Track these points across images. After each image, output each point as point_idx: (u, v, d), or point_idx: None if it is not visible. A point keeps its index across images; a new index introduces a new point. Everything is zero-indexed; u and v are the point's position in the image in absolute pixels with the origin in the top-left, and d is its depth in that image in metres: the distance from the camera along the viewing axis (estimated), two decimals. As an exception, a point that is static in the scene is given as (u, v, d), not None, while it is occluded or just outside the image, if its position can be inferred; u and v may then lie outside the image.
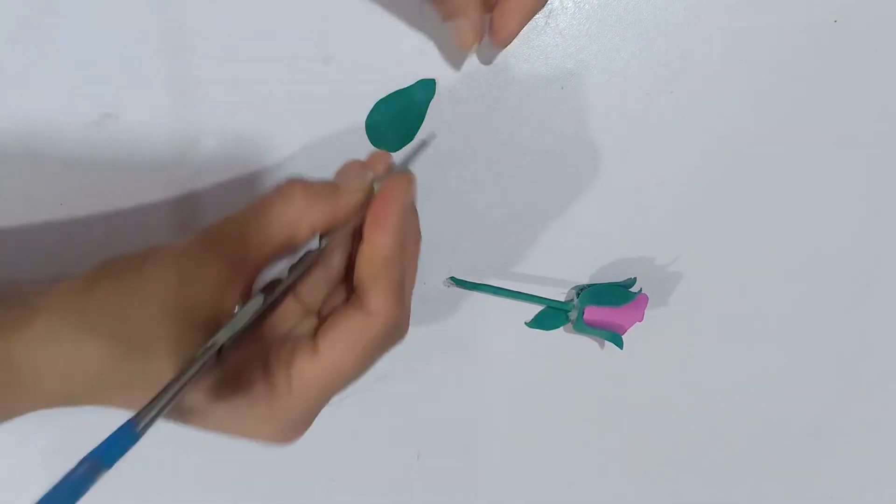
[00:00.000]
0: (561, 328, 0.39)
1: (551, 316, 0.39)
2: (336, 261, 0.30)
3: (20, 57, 0.36)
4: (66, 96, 0.36)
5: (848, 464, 0.41)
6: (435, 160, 0.38)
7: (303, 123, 0.37)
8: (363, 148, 0.37)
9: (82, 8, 0.36)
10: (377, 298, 0.27)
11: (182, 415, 0.27)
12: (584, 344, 0.39)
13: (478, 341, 0.39)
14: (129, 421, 0.24)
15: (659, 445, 0.40)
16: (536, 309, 0.39)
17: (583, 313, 0.36)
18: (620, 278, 0.38)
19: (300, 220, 0.27)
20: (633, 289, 0.37)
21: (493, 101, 0.38)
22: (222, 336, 0.25)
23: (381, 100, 0.37)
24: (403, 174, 0.29)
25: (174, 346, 0.26)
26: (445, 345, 0.38)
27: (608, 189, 0.38)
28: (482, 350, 0.39)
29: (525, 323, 0.39)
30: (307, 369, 0.27)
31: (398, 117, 0.37)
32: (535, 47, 0.38)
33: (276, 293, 0.27)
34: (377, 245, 0.27)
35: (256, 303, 0.27)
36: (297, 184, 0.28)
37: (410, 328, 0.38)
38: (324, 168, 0.37)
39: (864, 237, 0.39)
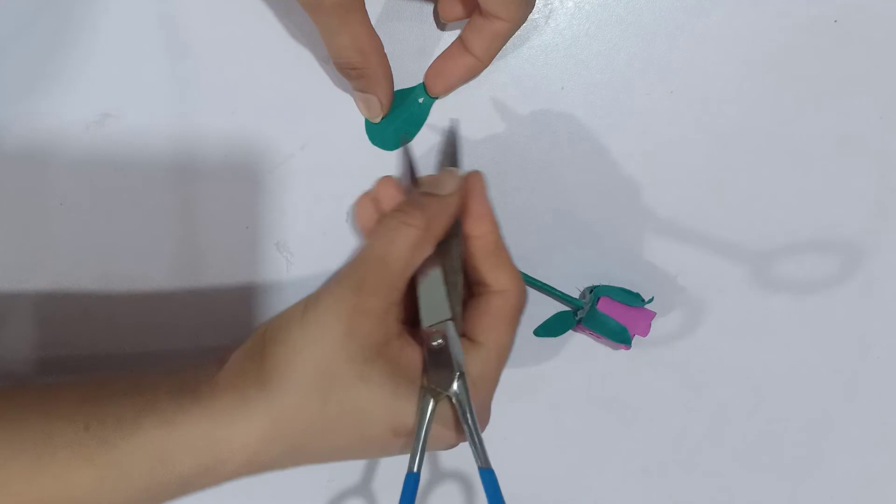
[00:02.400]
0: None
1: (559, 321, 0.39)
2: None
3: (20, 57, 0.36)
4: (66, 96, 0.36)
5: (848, 464, 0.41)
6: (435, 160, 0.38)
7: (303, 123, 0.37)
8: (364, 147, 0.37)
9: (82, 8, 0.36)
10: (503, 277, 0.31)
11: (368, 433, 0.30)
12: (585, 344, 0.39)
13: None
14: (410, 472, 0.29)
15: (659, 445, 0.40)
16: (541, 311, 0.39)
17: (597, 302, 0.36)
18: (620, 280, 0.38)
19: (428, 239, 0.30)
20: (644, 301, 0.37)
21: (494, 102, 0.38)
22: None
23: None
24: (474, 173, 0.33)
25: (364, 383, 0.28)
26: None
27: (608, 189, 0.38)
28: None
29: (533, 332, 0.39)
30: (478, 362, 0.30)
31: (399, 117, 0.37)
32: (535, 47, 0.38)
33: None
34: (485, 234, 0.32)
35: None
36: (414, 208, 0.30)
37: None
38: (324, 168, 0.37)
39: (864, 237, 0.39)
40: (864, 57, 0.38)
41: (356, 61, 0.33)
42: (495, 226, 0.32)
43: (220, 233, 0.37)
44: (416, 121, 0.37)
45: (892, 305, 0.40)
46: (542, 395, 0.39)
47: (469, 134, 0.38)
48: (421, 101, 0.37)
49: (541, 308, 0.39)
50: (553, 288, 0.38)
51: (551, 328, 0.39)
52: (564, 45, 0.38)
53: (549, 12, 0.37)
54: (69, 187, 0.36)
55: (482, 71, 0.36)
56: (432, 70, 0.36)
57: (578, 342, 0.39)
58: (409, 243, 0.29)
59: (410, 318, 0.32)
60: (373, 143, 0.37)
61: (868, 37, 0.38)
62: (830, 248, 0.39)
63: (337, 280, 0.30)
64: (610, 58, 0.38)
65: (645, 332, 0.37)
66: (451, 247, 0.32)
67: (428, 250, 0.30)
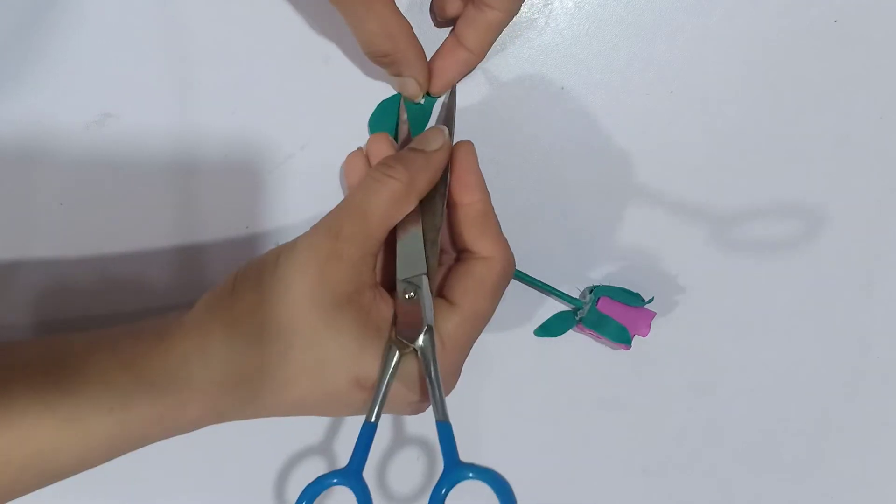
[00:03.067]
0: (561, 328, 0.39)
1: (559, 321, 0.38)
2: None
3: (20, 57, 0.36)
4: (66, 96, 0.36)
5: (848, 464, 0.41)
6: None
7: (303, 123, 0.37)
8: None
9: (82, 8, 0.36)
10: (488, 245, 0.31)
11: (330, 381, 0.29)
12: (585, 344, 0.39)
13: (478, 341, 0.39)
14: (368, 422, 0.29)
15: (659, 445, 0.40)
16: (541, 311, 0.39)
17: (597, 302, 0.36)
18: (620, 280, 0.38)
19: (410, 194, 0.30)
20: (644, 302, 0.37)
21: (494, 101, 0.38)
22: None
23: (385, 100, 0.37)
24: (464, 141, 0.33)
25: (331, 331, 0.28)
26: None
27: (608, 189, 0.38)
28: (482, 350, 0.39)
29: (533, 332, 0.39)
30: (451, 322, 0.30)
31: (401, 118, 0.37)
32: (535, 47, 0.38)
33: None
34: (473, 202, 0.32)
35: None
36: (398, 162, 0.30)
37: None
38: (324, 168, 0.37)
39: (865, 237, 0.39)
40: (864, 57, 0.38)
41: (387, 47, 0.32)
42: (485, 194, 0.32)
43: (220, 233, 0.37)
44: (420, 121, 0.37)
45: (892, 305, 0.40)
46: (542, 395, 0.39)
47: (469, 134, 0.38)
48: (422, 101, 0.37)
49: (541, 308, 0.39)
50: (553, 288, 0.38)
51: (551, 328, 0.39)
52: (564, 45, 0.38)
53: (549, 12, 0.37)
54: (69, 187, 0.36)
55: (477, 64, 0.36)
56: (433, 68, 0.36)
57: (578, 342, 0.39)
58: (389, 195, 0.30)
59: (390, 278, 0.32)
60: None
61: (868, 37, 0.38)
62: (830, 247, 0.39)
63: (315, 228, 0.30)
64: (610, 58, 0.38)
65: (645, 332, 0.37)
66: (435, 204, 0.32)
67: (410, 205, 0.31)
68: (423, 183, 0.31)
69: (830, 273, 0.39)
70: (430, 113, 0.37)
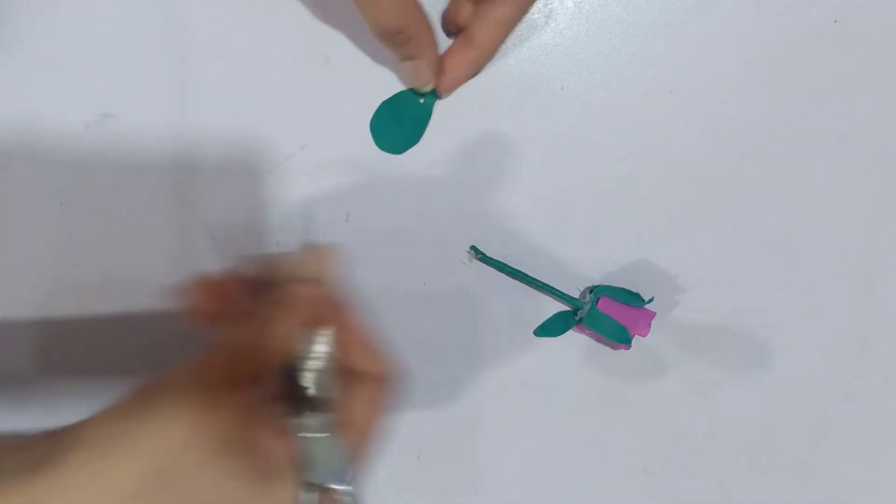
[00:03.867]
0: (561, 328, 0.39)
1: (559, 321, 0.38)
2: None
3: (20, 57, 0.36)
4: (66, 96, 0.36)
5: (848, 464, 0.41)
6: (435, 160, 0.38)
7: (303, 123, 0.37)
8: (363, 148, 0.37)
9: (82, 8, 0.36)
10: (377, 363, 0.29)
11: None
12: (585, 344, 0.39)
13: (478, 341, 0.39)
14: None
15: (659, 445, 0.40)
16: (541, 311, 0.39)
17: (597, 302, 0.36)
18: (620, 280, 0.38)
19: (305, 326, 0.27)
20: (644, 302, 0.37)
21: (494, 101, 0.38)
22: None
23: (385, 101, 0.37)
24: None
25: (213, 481, 0.25)
26: (446, 345, 0.38)
27: (608, 190, 0.38)
28: (482, 350, 0.39)
29: (533, 332, 0.39)
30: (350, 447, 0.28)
31: (403, 118, 0.37)
32: (535, 47, 0.38)
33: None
34: (354, 329, 0.29)
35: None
36: (292, 313, 0.27)
37: (411, 329, 0.38)
38: (324, 168, 0.37)
39: (865, 237, 0.39)
40: (864, 57, 0.38)
41: (400, 23, 0.31)
42: (360, 316, 0.29)
43: (220, 233, 0.37)
44: (420, 121, 0.37)
45: (892, 305, 0.40)
46: (542, 395, 0.39)
47: (469, 134, 0.38)
48: (422, 100, 0.37)
49: (541, 308, 0.39)
50: (553, 288, 0.38)
51: (551, 328, 0.39)
52: (564, 45, 0.38)
53: (549, 12, 0.37)
54: (69, 187, 0.36)
55: (486, 63, 0.35)
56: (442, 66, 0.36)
57: (578, 342, 0.39)
58: (284, 336, 0.27)
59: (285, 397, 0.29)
60: (380, 147, 0.37)
61: (868, 37, 0.38)
62: (830, 248, 0.39)
63: (195, 373, 0.27)
64: (610, 58, 0.38)
65: (645, 332, 0.37)
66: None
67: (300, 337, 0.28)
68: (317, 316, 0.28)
69: (830, 273, 0.39)
70: (431, 113, 0.37)
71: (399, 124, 0.37)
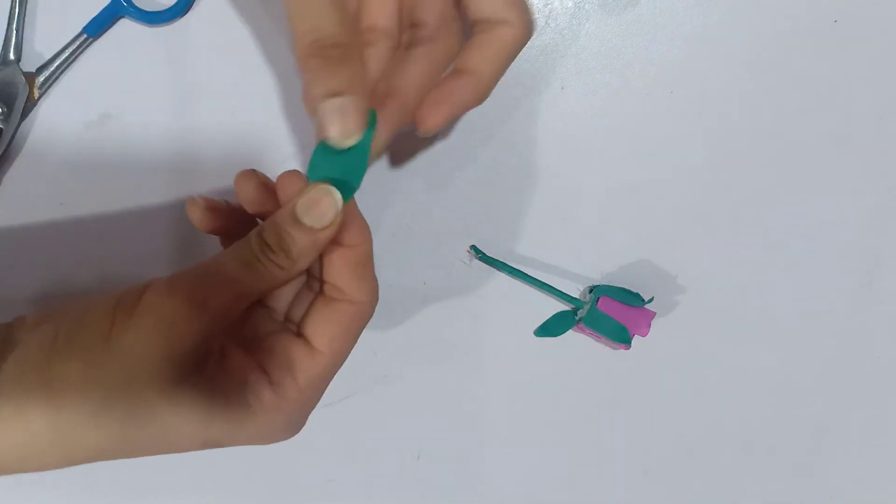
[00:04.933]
0: (561, 328, 0.39)
1: (559, 321, 0.38)
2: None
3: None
4: (66, 96, 0.36)
5: (848, 464, 0.41)
6: (435, 160, 0.38)
7: (303, 123, 0.37)
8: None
9: (82, 8, 0.36)
10: (362, 290, 0.28)
11: (174, 446, 0.27)
12: (585, 344, 0.39)
13: (478, 341, 0.39)
14: None
15: (659, 445, 0.40)
16: (541, 311, 0.39)
17: (597, 301, 0.36)
18: (620, 280, 0.38)
19: (290, 277, 0.27)
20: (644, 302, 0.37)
21: (494, 101, 0.38)
22: None
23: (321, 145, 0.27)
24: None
25: (173, 406, 0.25)
26: (445, 345, 0.38)
27: (608, 190, 0.38)
28: (482, 350, 0.39)
29: (533, 332, 0.39)
30: (311, 367, 0.28)
31: (337, 162, 0.27)
32: (535, 47, 0.38)
33: None
34: (356, 249, 0.28)
35: None
36: (281, 247, 0.26)
37: (411, 329, 0.38)
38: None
39: (865, 237, 0.39)
40: (864, 57, 0.38)
41: (337, 33, 0.25)
42: (368, 242, 0.28)
43: (220, 233, 0.37)
44: (358, 162, 0.28)
45: (892, 305, 0.40)
46: (542, 395, 0.39)
47: (469, 134, 0.38)
48: (354, 141, 0.26)
49: (541, 308, 0.39)
50: (553, 288, 0.38)
51: (551, 328, 0.39)
52: (564, 45, 0.38)
53: (549, 12, 0.37)
54: (69, 187, 0.36)
55: (486, 95, 0.30)
56: (429, 100, 0.29)
57: (578, 342, 0.39)
58: (270, 283, 0.27)
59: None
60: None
61: (868, 37, 0.38)
62: (830, 247, 0.39)
63: (166, 291, 0.26)
64: (610, 58, 0.38)
65: (645, 332, 0.37)
66: None
67: (286, 284, 0.29)
68: (305, 266, 0.27)
69: (830, 273, 0.39)
70: (361, 176, 0.28)
71: (335, 170, 0.28)
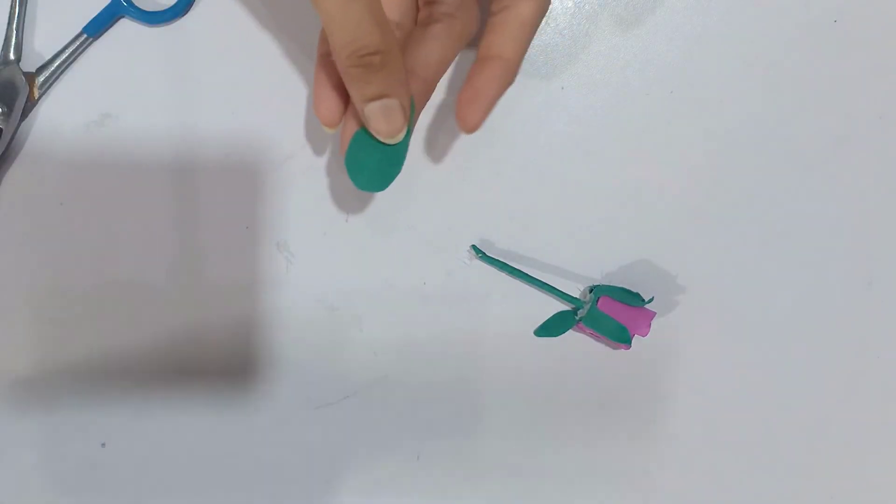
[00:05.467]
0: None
1: (559, 321, 0.38)
2: None
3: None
4: (66, 96, 0.36)
5: (848, 464, 0.41)
6: (435, 160, 0.38)
7: (303, 123, 0.37)
8: (363, 148, 0.37)
9: (82, 7, 0.36)
10: None
11: None
12: (585, 344, 0.39)
13: (478, 341, 0.39)
14: None
15: (659, 445, 0.40)
16: (540, 311, 0.39)
17: (597, 301, 0.36)
18: (620, 280, 0.38)
19: None
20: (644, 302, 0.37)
21: (493, 101, 0.38)
22: None
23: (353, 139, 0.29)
24: None
25: None
26: (445, 345, 0.38)
27: (608, 190, 0.38)
28: (483, 350, 0.39)
29: (533, 332, 0.39)
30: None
31: (378, 148, 0.29)
32: (535, 47, 0.38)
33: None
34: None
35: None
36: None
37: (411, 329, 0.38)
38: (325, 168, 0.37)
39: (865, 237, 0.39)
40: (864, 57, 0.38)
41: (377, 41, 0.25)
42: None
43: (220, 233, 0.37)
44: (390, 169, 0.29)
45: (892, 305, 0.40)
46: (542, 395, 0.39)
47: (469, 134, 0.38)
48: (400, 138, 0.29)
49: (541, 308, 0.39)
50: (553, 288, 0.38)
51: (551, 328, 0.39)
52: (564, 45, 0.38)
53: (549, 12, 0.37)
54: (69, 187, 0.36)
55: (516, 75, 0.30)
56: (464, 98, 0.30)
57: (578, 342, 0.39)
58: None
59: None
60: (359, 186, 0.30)
61: (868, 37, 0.38)
62: (830, 247, 0.39)
63: None
64: (610, 58, 0.38)
65: (645, 332, 0.37)
66: None
67: None
68: None
69: (830, 273, 0.39)
70: (403, 160, 0.29)
71: (376, 154, 0.29)
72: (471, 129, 0.30)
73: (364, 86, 0.26)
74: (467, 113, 0.29)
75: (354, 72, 0.26)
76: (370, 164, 0.29)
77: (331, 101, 0.29)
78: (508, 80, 0.30)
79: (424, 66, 0.29)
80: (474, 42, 0.31)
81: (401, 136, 0.28)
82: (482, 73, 0.29)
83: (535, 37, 0.35)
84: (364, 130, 0.28)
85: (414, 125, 0.30)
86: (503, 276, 0.38)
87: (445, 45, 0.29)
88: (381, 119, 0.27)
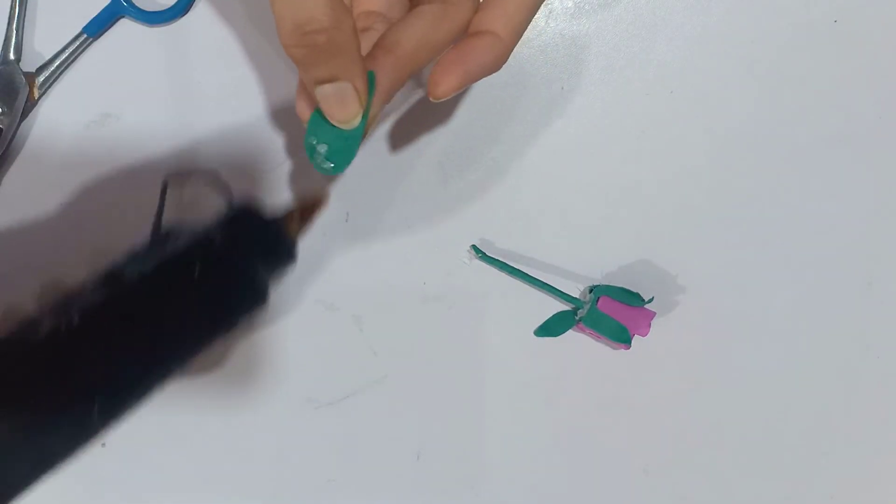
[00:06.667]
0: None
1: (559, 321, 0.38)
2: None
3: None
4: (66, 96, 0.36)
5: (848, 464, 0.41)
6: (435, 160, 0.38)
7: (303, 123, 0.37)
8: (363, 147, 0.37)
9: (83, 7, 0.36)
10: None
11: None
12: (585, 344, 0.39)
13: (478, 341, 0.39)
14: None
15: (659, 445, 0.40)
16: (540, 311, 0.39)
17: (597, 301, 0.36)
18: (620, 280, 0.38)
19: None
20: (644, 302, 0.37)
21: (493, 101, 0.38)
22: None
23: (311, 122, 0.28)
24: None
25: None
26: (445, 345, 0.38)
27: (608, 190, 0.38)
28: (483, 350, 0.39)
29: (533, 332, 0.39)
30: None
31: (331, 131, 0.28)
32: (535, 47, 0.38)
33: None
34: None
35: None
36: None
37: (411, 329, 0.38)
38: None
39: (865, 237, 0.39)
40: (864, 57, 0.38)
41: (320, 17, 0.23)
42: None
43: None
44: (344, 154, 0.28)
45: (892, 305, 0.40)
46: (542, 395, 0.39)
47: (468, 134, 0.38)
48: (355, 124, 0.27)
49: (541, 308, 0.39)
50: (553, 288, 0.38)
51: (551, 328, 0.39)
52: (564, 45, 0.38)
53: (549, 12, 0.37)
54: (69, 187, 0.36)
55: (504, 58, 0.28)
56: (443, 62, 0.27)
57: (578, 342, 0.39)
58: None
59: None
60: (316, 168, 0.28)
61: (868, 37, 0.38)
62: (830, 247, 0.39)
63: None
64: (610, 58, 0.38)
65: (645, 332, 0.37)
66: None
67: None
68: None
69: (830, 273, 0.39)
70: (359, 144, 0.28)
71: (326, 145, 0.28)
72: (439, 95, 0.27)
73: (311, 67, 0.24)
74: (440, 77, 0.26)
75: (298, 52, 0.24)
76: (325, 147, 0.27)
77: (310, 100, 0.28)
78: (495, 57, 0.27)
79: (400, 42, 0.27)
80: None
81: (356, 122, 0.26)
82: (467, 43, 0.27)
83: (535, 37, 0.35)
84: (319, 111, 0.26)
85: (379, 108, 0.27)
86: (503, 276, 0.38)
87: (429, 25, 0.27)
88: (333, 103, 0.25)
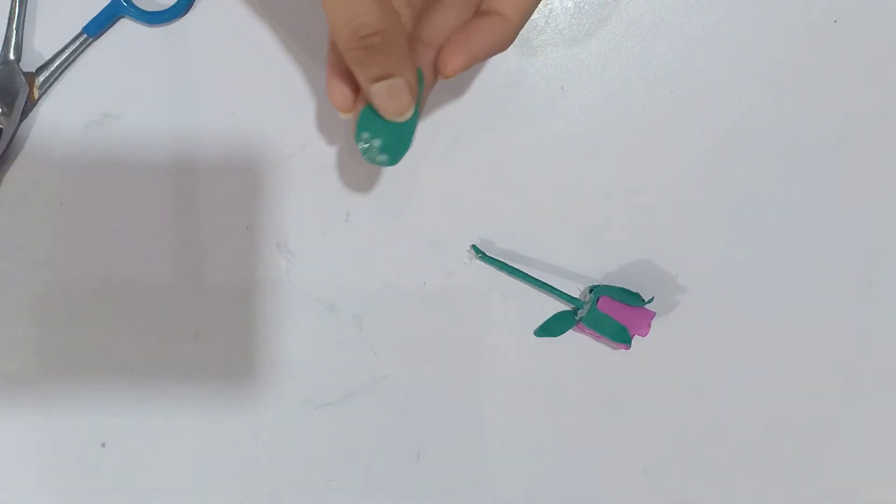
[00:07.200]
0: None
1: (559, 321, 0.38)
2: None
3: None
4: (66, 96, 0.36)
5: (848, 464, 0.40)
6: (435, 160, 0.38)
7: (303, 123, 0.37)
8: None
9: (83, 8, 0.36)
10: None
11: None
12: (585, 344, 0.39)
13: (478, 341, 0.39)
14: None
15: (659, 445, 0.40)
16: (540, 311, 0.39)
17: (597, 301, 0.36)
18: (620, 280, 0.38)
19: None
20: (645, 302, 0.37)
21: (493, 101, 0.38)
22: None
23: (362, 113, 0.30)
24: None
25: None
26: (445, 345, 0.38)
27: (608, 190, 0.38)
28: (482, 350, 0.39)
29: (533, 332, 0.39)
30: None
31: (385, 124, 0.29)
32: (535, 47, 0.38)
33: None
34: None
35: None
36: None
37: (411, 329, 0.38)
38: (324, 168, 0.37)
39: (865, 237, 0.39)
40: (864, 57, 0.38)
41: (375, 20, 0.24)
42: None
43: (220, 233, 0.37)
44: (399, 146, 0.29)
45: (892, 305, 0.40)
46: (542, 395, 0.39)
47: (468, 134, 0.38)
48: (408, 116, 0.29)
49: (541, 308, 0.39)
50: (553, 288, 0.38)
51: (551, 328, 0.39)
52: (564, 45, 0.38)
53: (549, 12, 0.37)
54: (69, 187, 0.36)
55: (510, 39, 0.29)
56: (452, 42, 0.28)
57: (578, 342, 0.39)
58: None
59: None
60: (369, 160, 0.30)
61: (868, 37, 0.38)
62: (830, 248, 0.39)
63: None
64: (610, 58, 0.38)
65: (645, 332, 0.37)
66: None
67: None
68: None
69: (830, 273, 0.39)
70: (413, 134, 0.29)
71: (380, 139, 0.29)
72: (448, 73, 0.28)
73: (367, 68, 0.26)
74: (449, 57, 0.28)
75: (355, 54, 0.26)
76: (379, 141, 0.29)
77: (343, 86, 0.29)
78: (502, 38, 0.28)
79: (437, 34, 0.28)
80: None
81: (409, 115, 0.28)
82: (476, 24, 0.28)
83: (535, 36, 0.35)
84: (370, 107, 0.28)
85: (426, 99, 0.29)
86: (503, 276, 0.38)
87: (461, 14, 0.28)
88: (388, 99, 0.27)
